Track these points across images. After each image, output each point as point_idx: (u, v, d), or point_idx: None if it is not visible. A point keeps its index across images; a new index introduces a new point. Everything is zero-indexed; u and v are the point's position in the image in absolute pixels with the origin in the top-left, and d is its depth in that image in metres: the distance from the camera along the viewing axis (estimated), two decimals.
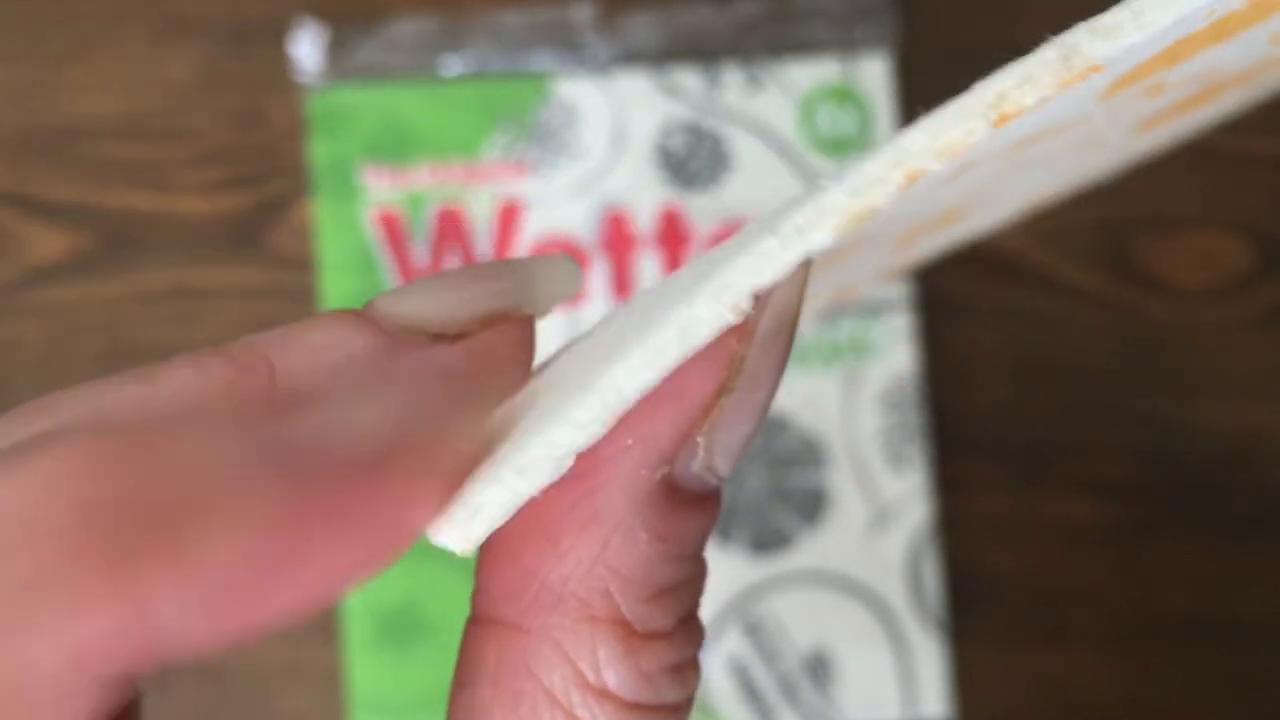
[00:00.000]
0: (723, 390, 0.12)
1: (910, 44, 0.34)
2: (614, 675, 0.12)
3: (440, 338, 0.13)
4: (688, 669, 0.13)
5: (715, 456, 0.12)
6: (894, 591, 0.33)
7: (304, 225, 0.35)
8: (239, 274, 0.35)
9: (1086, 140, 0.21)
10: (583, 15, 0.34)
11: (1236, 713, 0.33)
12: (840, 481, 0.33)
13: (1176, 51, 0.13)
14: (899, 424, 0.33)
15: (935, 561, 0.33)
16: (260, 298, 0.35)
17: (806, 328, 0.33)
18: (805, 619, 0.33)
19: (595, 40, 0.34)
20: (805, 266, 0.12)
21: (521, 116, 0.34)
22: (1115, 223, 0.34)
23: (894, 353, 0.33)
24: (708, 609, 0.31)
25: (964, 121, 0.10)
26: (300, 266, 0.35)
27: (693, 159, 0.34)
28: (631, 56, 0.34)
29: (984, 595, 0.33)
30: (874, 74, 0.34)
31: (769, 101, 0.34)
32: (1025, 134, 0.14)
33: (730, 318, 0.11)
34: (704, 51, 0.34)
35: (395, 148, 0.34)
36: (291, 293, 0.35)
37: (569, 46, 0.34)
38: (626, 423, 0.11)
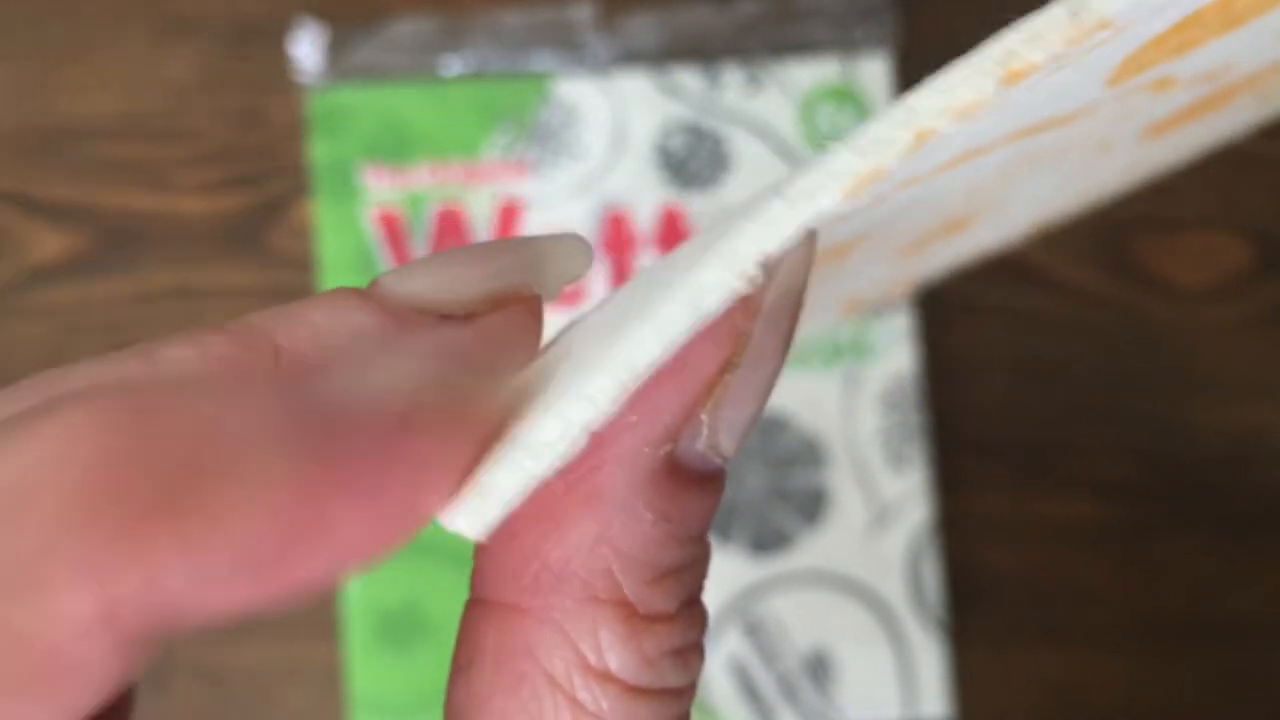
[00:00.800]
0: (728, 366, 0.12)
1: (910, 44, 0.34)
2: (616, 658, 0.12)
3: (447, 319, 0.13)
4: (691, 653, 0.12)
5: (719, 435, 0.12)
6: (894, 591, 0.33)
7: (304, 225, 0.35)
8: (239, 274, 0.35)
9: (1096, 145, 0.20)
10: (583, 15, 0.34)
11: (1237, 712, 0.33)
12: (840, 481, 0.33)
13: (1185, 38, 0.13)
14: (899, 424, 0.33)
15: (935, 561, 0.33)
16: (260, 298, 0.35)
17: (810, 334, 0.33)
18: (805, 619, 0.33)
19: (595, 40, 0.34)
20: (811, 240, 0.11)
21: (521, 116, 0.34)
22: (1115, 222, 0.34)
23: (894, 352, 0.33)
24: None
25: (973, 79, 0.10)
26: (300, 266, 0.35)
27: (693, 159, 0.34)
28: (631, 56, 0.34)
29: (984, 595, 0.33)
30: (874, 74, 0.34)
31: (769, 102, 0.34)
32: (1034, 119, 0.14)
33: (739, 285, 0.11)
34: (704, 51, 0.34)
35: (395, 148, 0.34)
36: (291, 293, 0.34)
37: (569, 46, 0.34)
38: (630, 399, 0.11)
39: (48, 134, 0.35)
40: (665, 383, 0.12)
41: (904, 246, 0.23)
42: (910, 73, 0.34)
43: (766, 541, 0.33)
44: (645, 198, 0.34)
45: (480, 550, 0.12)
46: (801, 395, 0.33)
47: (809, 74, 0.34)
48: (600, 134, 0.34)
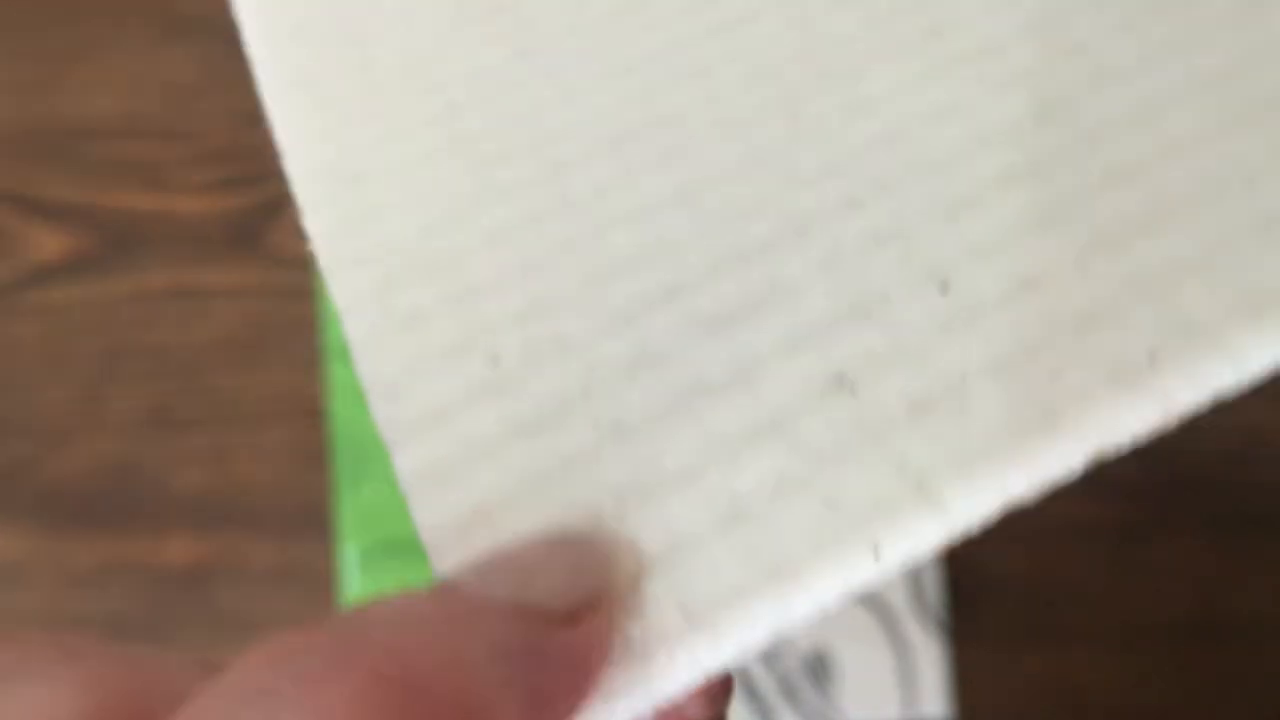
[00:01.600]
0: None
1: None
2: None
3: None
4: None
5: None
6: (894, 591, 0.33)
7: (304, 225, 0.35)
8: (239, 274, 0.35)
9: None
10: None
11: (1236, 712, 0.33)
12: None
13: None
14: None
15: (935, 561, 0.33)
16: (260, 297, 0.35)
17: None
18: None
19: None
20: None
21: None
22: None
23: None
24: None
25: None
26: (300, 266, 0.35)
27: None
28: None
29: (984, 595, 0.33)
30: None
31: None
32: None
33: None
34: None
35: None
36: (291, 292, 0.35)
37: None
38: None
39: (48, 134, 0.35)
40: None
41: None
42: None
43: None
44: None
45: None
46: None
47: None
48: None
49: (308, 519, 0.34)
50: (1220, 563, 0.33)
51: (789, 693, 0.33)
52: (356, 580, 0.33)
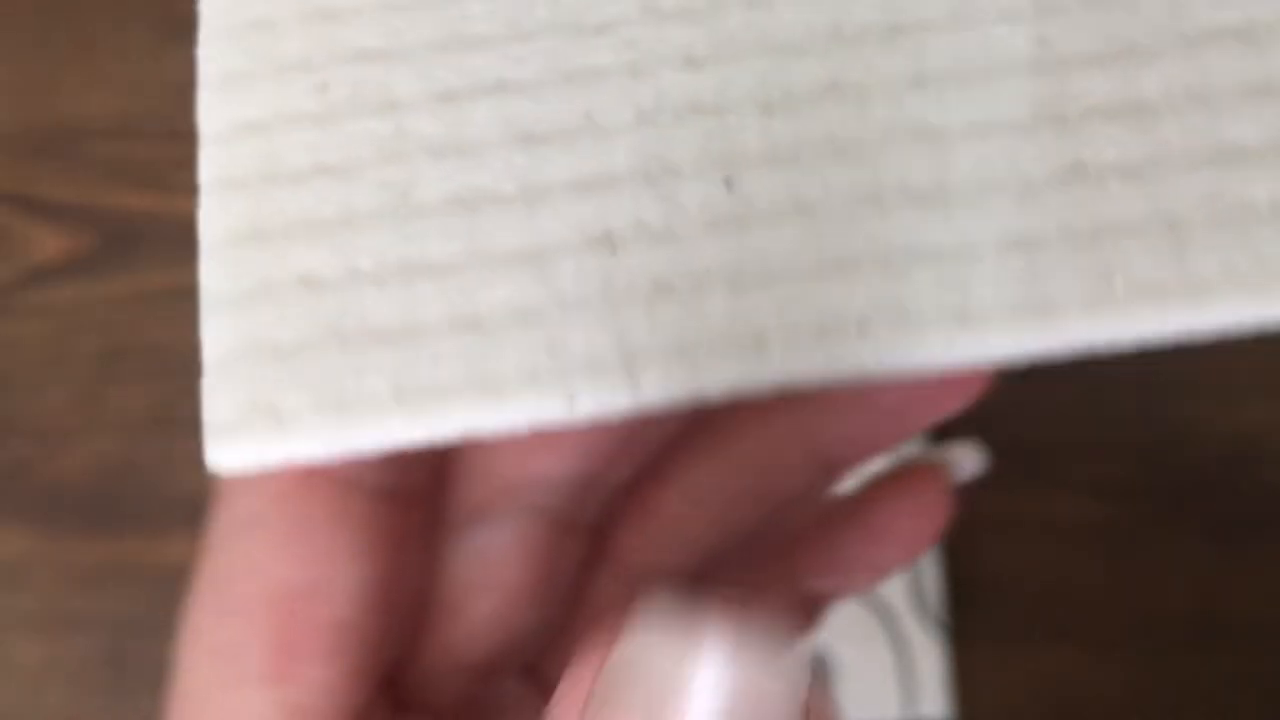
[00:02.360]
0: None
1: None
2: None
3: None
4: None
5: None
6: (894, 591, 0.33)
7: None
8: None
9: None
10: None
11: (1237, 712, 0.33)
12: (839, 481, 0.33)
13: None
14: None
15: (935, 561, 0.33)
16: None
17: None
18: None
19: None
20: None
21: None
22: None
23: None
24: None
25: None
26: None
27: None
28: None
29: (984, 595, 0.33)
30: None
31: None
32: None
33: None
34: None
35: None
36: None
37: None
38: None
39: (48, 134, 0.35)
40: None
41: None
42: None
43: None
44: None
45: None
46: None
47: None
48: None
49: None
50: (1220, 563, 0.33)
51: None
52: None
